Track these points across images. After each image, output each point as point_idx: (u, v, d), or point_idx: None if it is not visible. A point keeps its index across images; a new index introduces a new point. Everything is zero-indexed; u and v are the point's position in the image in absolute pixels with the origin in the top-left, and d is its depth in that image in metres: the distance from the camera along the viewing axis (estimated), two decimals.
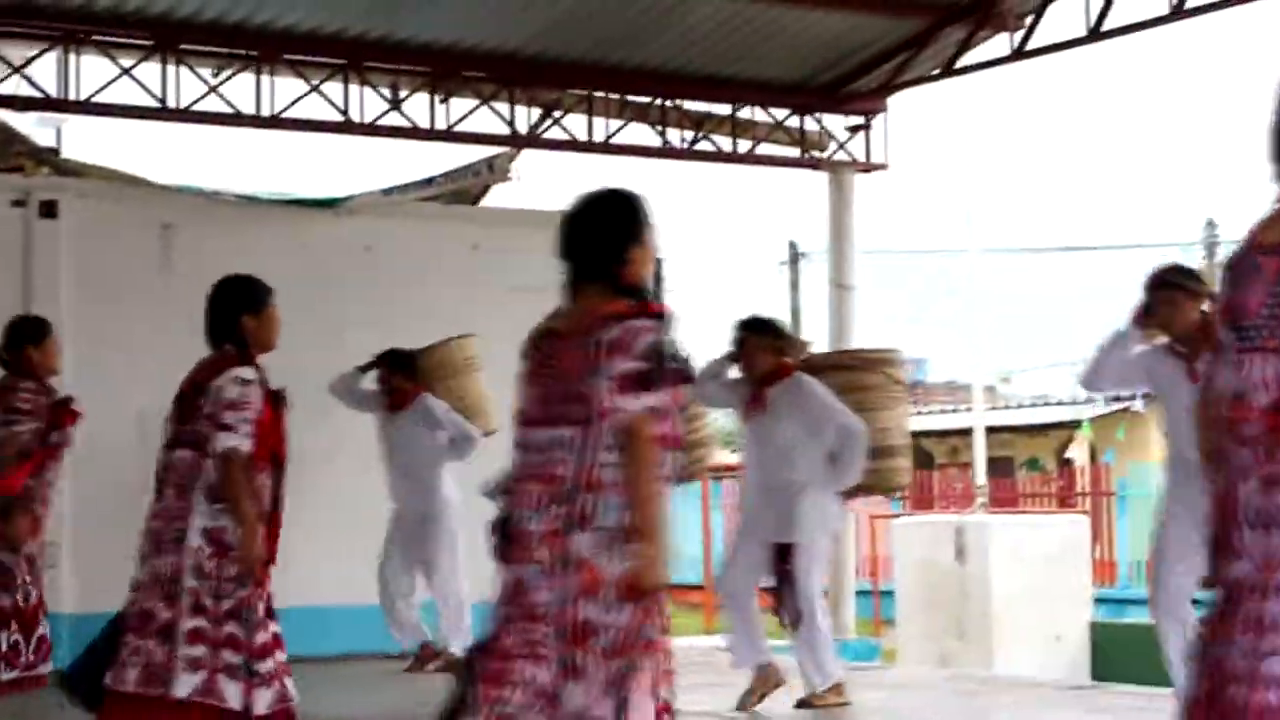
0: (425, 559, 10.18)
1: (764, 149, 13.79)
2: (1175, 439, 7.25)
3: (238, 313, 6.21)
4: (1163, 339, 7.29)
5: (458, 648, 10.13)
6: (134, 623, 5.99)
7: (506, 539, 4.55)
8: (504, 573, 4.52)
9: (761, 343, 8.43)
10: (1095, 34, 11.52)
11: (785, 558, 8.32)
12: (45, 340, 7.65)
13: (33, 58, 11.55)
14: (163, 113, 11.81)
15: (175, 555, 5.94)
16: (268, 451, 6.05)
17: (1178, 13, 11.03)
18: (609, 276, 4.57)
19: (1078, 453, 28.87)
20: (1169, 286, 7.19)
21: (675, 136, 13.46)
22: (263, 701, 5.91)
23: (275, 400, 6.18)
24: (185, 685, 5.84)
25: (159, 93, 11.70)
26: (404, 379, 10.22)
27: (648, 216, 4.67)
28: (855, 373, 8.87)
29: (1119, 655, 14.77)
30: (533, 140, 12.96)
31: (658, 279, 30.40)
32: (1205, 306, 7.15)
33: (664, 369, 4.42)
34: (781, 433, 8.28)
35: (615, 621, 4.36)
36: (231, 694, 5.87)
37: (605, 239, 4.61)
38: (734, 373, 8.57)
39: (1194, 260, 33.43)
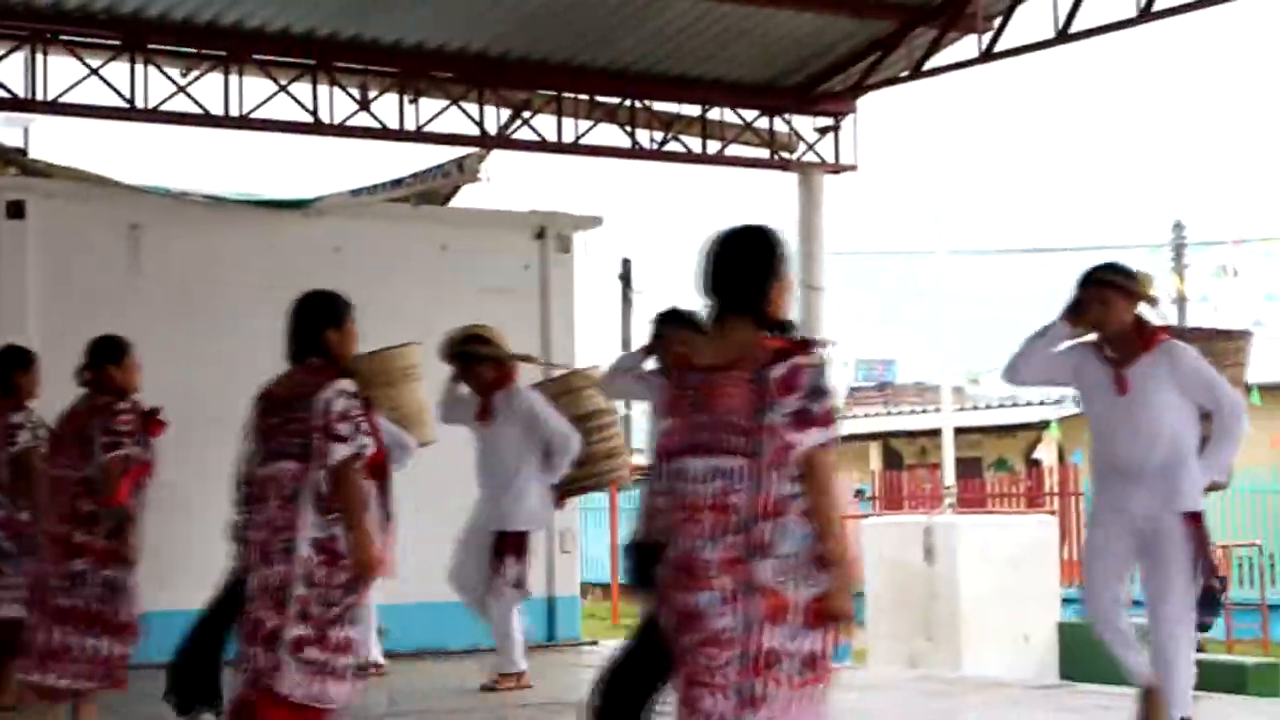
0: None
1: (733, 150, 13.81)
2: (1099, 444, 7.06)
3: (321, 327, 6.32)
4: (1093, 337, 6.97)
5: (374, 656, 10.04)
6: (245, 630, 6.15)
7: (648, 564, 4.72)
8: (672, 600, 4.64)
9: (681, 335, 8.28)
10: (1063, 36, 11.58)
11: None
12: (125, 359, 7.77)
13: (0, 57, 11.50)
14: (131, 113, 11.77)
15: (285, 565, 6.06)
16: (371, 459, 6.18)
17: (1145, 15, 11.09)
18: (753, 311, 4.71)
19: (1046, 453, 28.97)
20: (1103, 284, 6.87)
21: (644, 137, 13.47)
22: (330, 696, 6.10)
23: (369, 409, 6.34)
24: (289, 684, 6.01)
25: (127, 93, 11.66)
26: None
27: (785, 250, 4.82)
28: None
29: (1087, 655, 14.75)
30: (502, 141, 12.96)
31: (626, 280, 30.47)
32: (1140, 309, 6.90)
33: (828, 402, 4.61)
34: None
35: (801, 648, 4.52)
36: (334, 694, 6.08)
37: (747, 275, 4.74)
38: (651, 365, 8.43)
39: (1162, 262, 33.57)
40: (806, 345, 4.68)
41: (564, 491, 9.77)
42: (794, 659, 4.51)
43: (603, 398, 9.61)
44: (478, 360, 9.33)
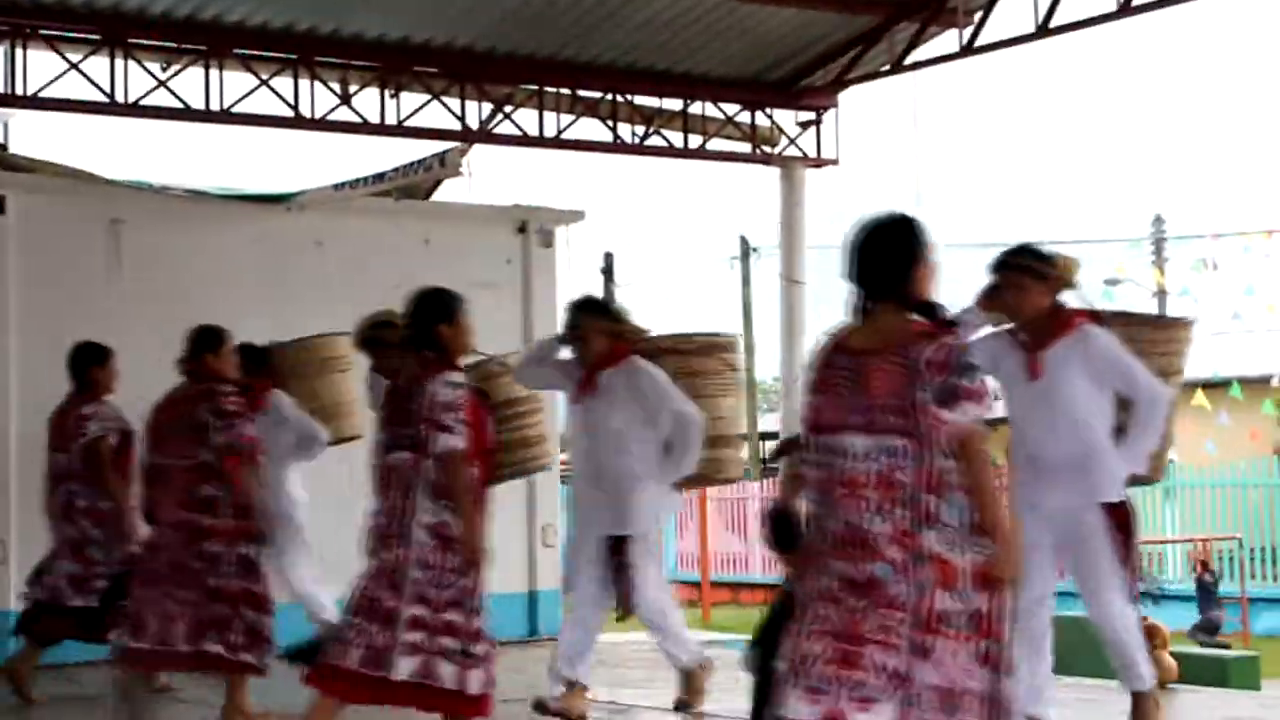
0: (279, 561, 9.27)
1: (715, 144, 13.82)
2: (1016, 434, 6.95)
3: (435, 323, 6.73)
4: (1008, 324, 6.84)
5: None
6: (360, 606, 6.52)
7: (789, 529, 5.12)
8: (833, 568, 4.87)
9: (597, 324, 8.12)
10: (1043, 30, 11.60)
11: (619, 550, 8.07)
12: (222, 348, 8.06)
13: None
14: (111, 107, 11.75)
15: (401, 549, 6.48)
16: (478, 447, 6.58)
17: (1124, 10, 11.10)
18: (898, 296, 4.97)
19: None
20: (1016, 269, 6.72)
21: (626, 132, 13.47)
22: (476, 682, 6.50)
23: (480, 399, 6.77)
24: (404, 669, 6.40)
25: (107, 87, 11.64)
26: (253, 375, 9.26)
27: (927, 238, 5.05)
28: (689, 358, 8.43)
29: (1069, 648, 14.83)
30: (484, 135, 12.95)
31: (608, 274, 30.37)
32: (1057, 294, 6.75)
33: (977, 379, 4.87)
34: (614, 418, 7.99)
35: (969, 607, 4.80)
36: (447, 675, 6.45)
37: (892, 262, 5.00)
38: (566, 354, 8.34)
39: (1142, 255, 33.64)
40: (952, 327, 4.96)
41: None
42: (960, 616, 4.79)
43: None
44: (386, 346, 9.00)
